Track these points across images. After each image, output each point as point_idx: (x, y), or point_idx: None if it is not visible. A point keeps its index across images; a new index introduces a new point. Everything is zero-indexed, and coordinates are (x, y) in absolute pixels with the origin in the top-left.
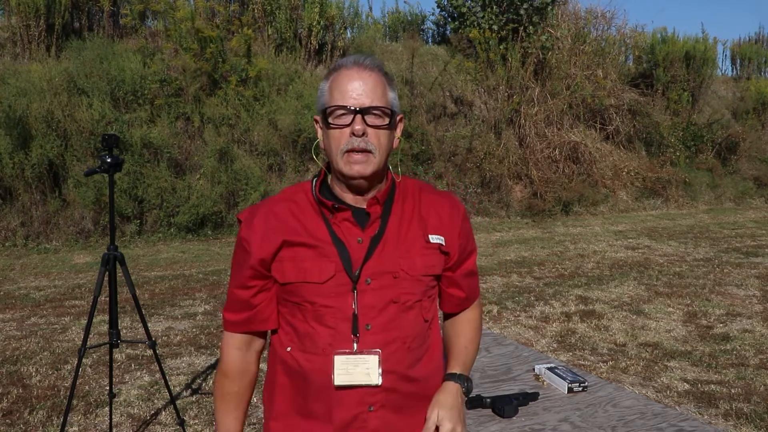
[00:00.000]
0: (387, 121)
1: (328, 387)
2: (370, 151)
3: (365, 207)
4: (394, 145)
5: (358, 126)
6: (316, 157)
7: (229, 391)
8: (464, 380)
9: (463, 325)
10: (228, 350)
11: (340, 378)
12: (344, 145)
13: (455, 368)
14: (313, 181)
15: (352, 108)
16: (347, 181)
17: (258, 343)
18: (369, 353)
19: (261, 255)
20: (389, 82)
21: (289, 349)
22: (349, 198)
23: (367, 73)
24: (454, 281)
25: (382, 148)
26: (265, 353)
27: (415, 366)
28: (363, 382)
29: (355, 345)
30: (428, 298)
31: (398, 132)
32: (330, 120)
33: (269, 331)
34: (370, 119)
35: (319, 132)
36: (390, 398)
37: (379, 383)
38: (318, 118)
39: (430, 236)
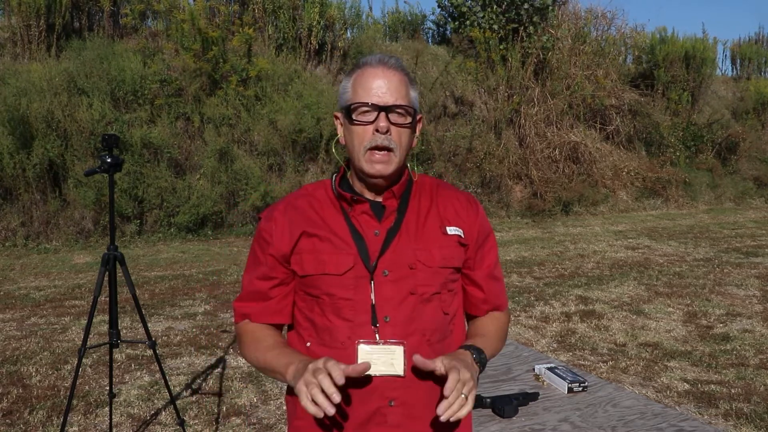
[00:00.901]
0: (409, 120)
1: (349, 382)
2: (391, 150)
3: (381, 200)
4: (413, 144)
5: (382, 123)
6: (336, 153)
7: (268, 341)
8: (478, 352)
9: (486, 320)
10: (245, 326)
11: None
12: (367, 142)
13: (471, 341)
14: (332, 176)
15: (377, 105)
16: (367, 179)
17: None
18: (394, 344)
19: (281, 246)
20: (411, 82)
21: (308, 344)
22: (367, 193)
23: (392, 72)
24: (473, 280)
25: (402, 147)
26: None
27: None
28: (387, 372)
29: (377, 335)
30: (448, 292)
31: (417, 131)
32: (354, 116)
33: (285, 327)
34: (393, 117)
35: (340, 129)
36: (411, 393)
37: (403, 374)
38: (339, 114)
39: (447, 228)
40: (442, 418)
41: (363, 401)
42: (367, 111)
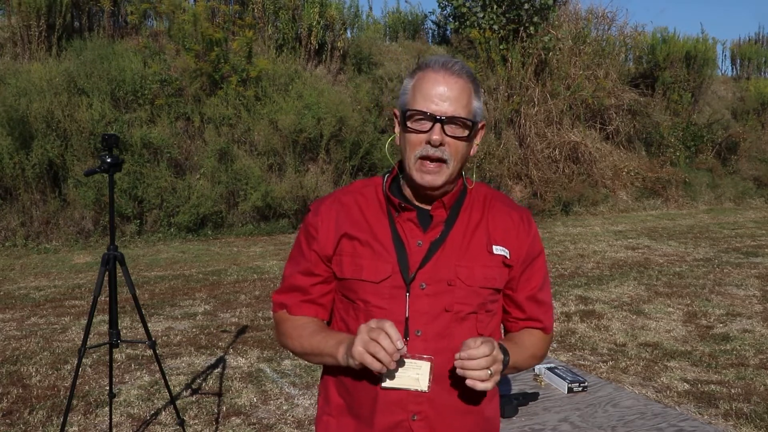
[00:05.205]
0: (467, 132)
1: (374, 390)
2: (444, 161)
3: (430, 210)
4: (472, 153)
5: (435, 136)
6: (388, 152)
7: (311, 327)
8: (504, 352)
9: (522, 332)
10: (283, 315)
11: (386, 380)
12: (419, 151)
13: (500, 341)
14: (384, 177)
15: (433, 116)
16: (416, 188)
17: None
18: (421, 358)
19: (326, 244)
20: (475, 90)
21: None
22: (416, 200)
23: (454, 79)
24: (514, 301)
25: (457, 159)
26: None
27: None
28: (410, 387)
29: (405, 349)
30: (486, 313)
31: (478, 139)
32: (408, 123)
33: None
34: (449, 129)
35: (397, 128)
36: (435, 409)
37: (427, 390)
38: (397, 113)
39: (494, 247)
40: (458, 372)
41: (386, 412)
42: (422, 119)
